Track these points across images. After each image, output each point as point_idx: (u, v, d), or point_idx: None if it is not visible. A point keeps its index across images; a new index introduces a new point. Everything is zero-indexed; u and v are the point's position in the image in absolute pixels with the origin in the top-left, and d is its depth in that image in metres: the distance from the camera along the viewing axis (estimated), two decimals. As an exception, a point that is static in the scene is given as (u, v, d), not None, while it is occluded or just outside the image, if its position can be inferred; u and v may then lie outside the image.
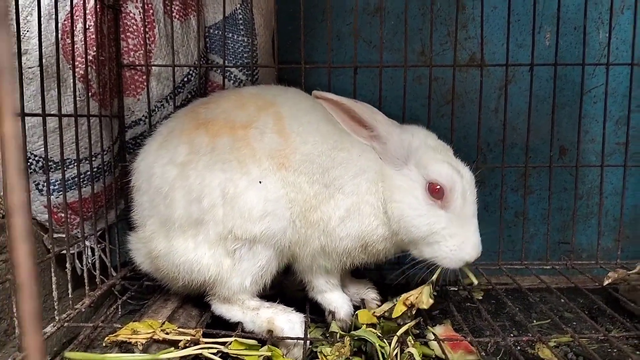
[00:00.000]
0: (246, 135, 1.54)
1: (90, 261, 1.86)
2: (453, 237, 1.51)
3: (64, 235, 1.66)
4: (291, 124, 1.57)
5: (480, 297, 2.10)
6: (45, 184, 1.70)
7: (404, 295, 1.63)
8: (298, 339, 1.49)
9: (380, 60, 2.01)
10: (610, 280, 1.91)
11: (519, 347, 1.66)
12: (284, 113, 1.59)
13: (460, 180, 1.52)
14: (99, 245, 1.89)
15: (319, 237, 1.57)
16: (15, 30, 1.48)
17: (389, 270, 2.16)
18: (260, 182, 1.50)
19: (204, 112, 1.62)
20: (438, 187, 1.52)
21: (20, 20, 1.61)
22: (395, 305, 1.63)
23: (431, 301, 1.62)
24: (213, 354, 1.38)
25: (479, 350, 1.45)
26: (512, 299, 2.05)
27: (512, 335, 1.76)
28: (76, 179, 1.73)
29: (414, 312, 1.62)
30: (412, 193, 1.54)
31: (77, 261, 1.85)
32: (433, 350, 1.51)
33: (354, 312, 1.69)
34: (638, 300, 1.86)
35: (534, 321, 1.89)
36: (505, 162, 2.15)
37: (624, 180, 2.13)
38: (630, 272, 1.94)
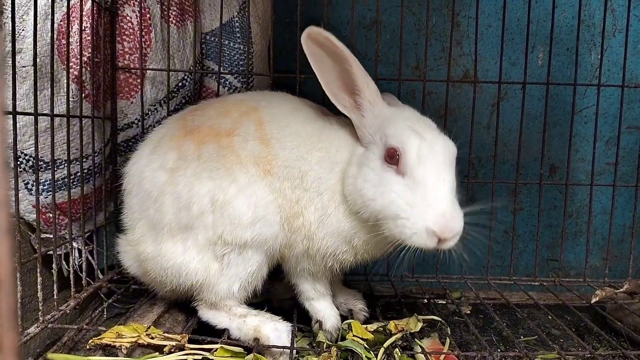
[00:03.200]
0: (231, 142, 1.53)
1: (77, 263, 1.84)
2: (412, 207, 1.30)
3: (51, 236, 1.65)
4: (271, 130, 1.56)
5: (468, 312, 2.10)
6: (34, 183, 1.68)
7: (393, 321, 1.63)
8: (284, 348, 1.47)
9: (375, 73, 2.03)
10: (597, 298, 1.92)
11: (505, 363, 1.66)
12: (265, 118, 1.58)
13: (418, 142, 1.36)
14: (86, 247, 1.87)
15: (302, 241, 1.57)
16: (10, 28, 1.48)
17: (377, 282, 2.17)
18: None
19: (191, 120, 1.62)
20: (392, 150, 1.37)
21: (16, 19, 1.61)
22: (386, 324, 1.63)
23: (420, 324, 1.65)
24: (198, 360, 1.37)
25: (465, 364, 1.44)
26: (499, 314, 2.05)
27: (499, 350, 1.76)
28: (66, 179, 1.72)
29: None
30: (368, 165, 1.42)
31: (63, 262, 1.83)
32: (420, 363, 1.50)
33: (342, 322, 1.68)
34: (624, 319, 1.87)
35: (521, 337, 1.89)
36: (496, 178, 2.16)
37: (613, 199, 2.15)
38: (618, 290, 1.95)
